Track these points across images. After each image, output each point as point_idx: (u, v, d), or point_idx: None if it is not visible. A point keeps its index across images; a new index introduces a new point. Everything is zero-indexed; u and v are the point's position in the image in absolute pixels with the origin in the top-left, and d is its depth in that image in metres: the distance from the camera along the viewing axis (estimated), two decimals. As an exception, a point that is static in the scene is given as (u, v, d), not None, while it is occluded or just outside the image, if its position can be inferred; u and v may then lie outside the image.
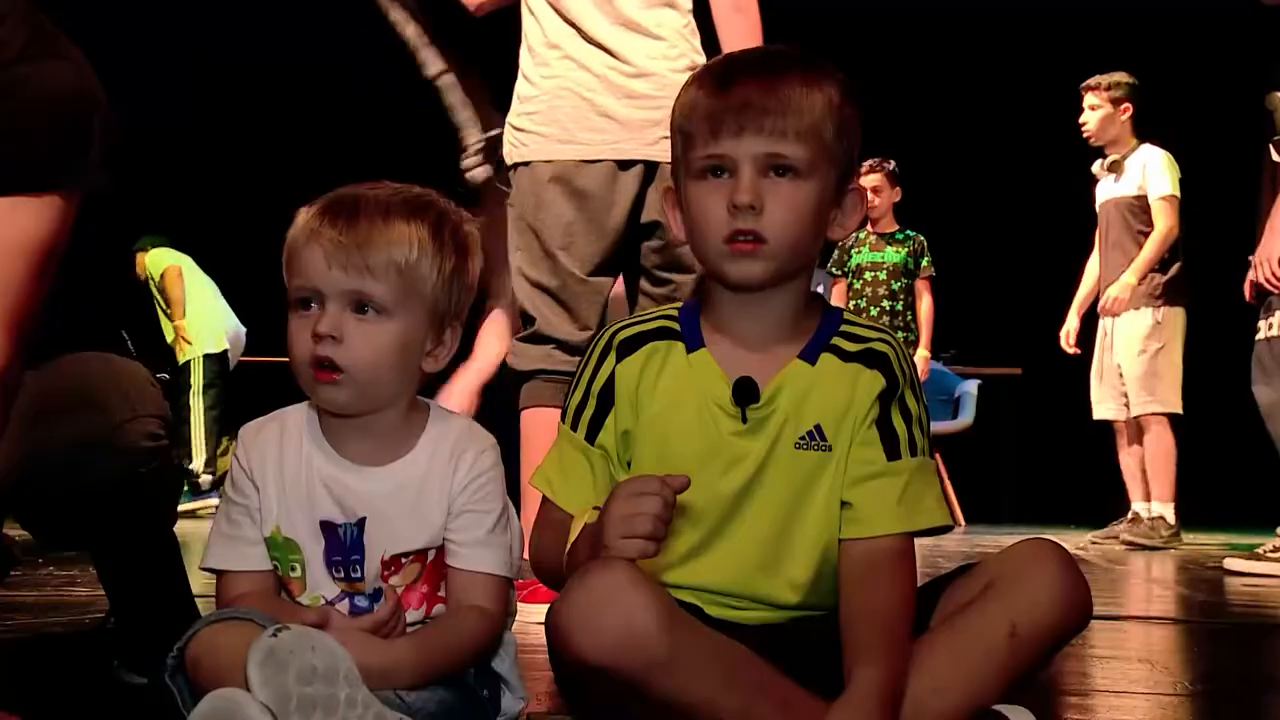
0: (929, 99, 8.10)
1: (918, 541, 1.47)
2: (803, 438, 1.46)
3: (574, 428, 1.51)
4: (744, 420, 1.46)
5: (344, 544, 1.41)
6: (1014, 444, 6.59)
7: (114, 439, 1.67)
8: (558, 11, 2.75)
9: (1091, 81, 5.84)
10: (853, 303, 6.70)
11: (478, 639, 1.42)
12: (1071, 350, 6.06)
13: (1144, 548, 5.59)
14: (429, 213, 1.43)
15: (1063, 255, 6.69)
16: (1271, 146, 4.19)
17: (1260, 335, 4.45)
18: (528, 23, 2.81)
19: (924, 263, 6.66)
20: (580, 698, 1.40)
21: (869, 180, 6.68)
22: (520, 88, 2.82)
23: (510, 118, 2.84)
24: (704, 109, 1.44)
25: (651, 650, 1.27)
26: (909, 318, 6.72)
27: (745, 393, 1.45)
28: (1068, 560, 1.43)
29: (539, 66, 2.78)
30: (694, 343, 1.49)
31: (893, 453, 1.45)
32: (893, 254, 6.72)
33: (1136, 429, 5.82)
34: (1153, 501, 5.73)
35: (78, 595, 2.98)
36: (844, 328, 1.50)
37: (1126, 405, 5.79)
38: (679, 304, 1.56)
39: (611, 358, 1.51)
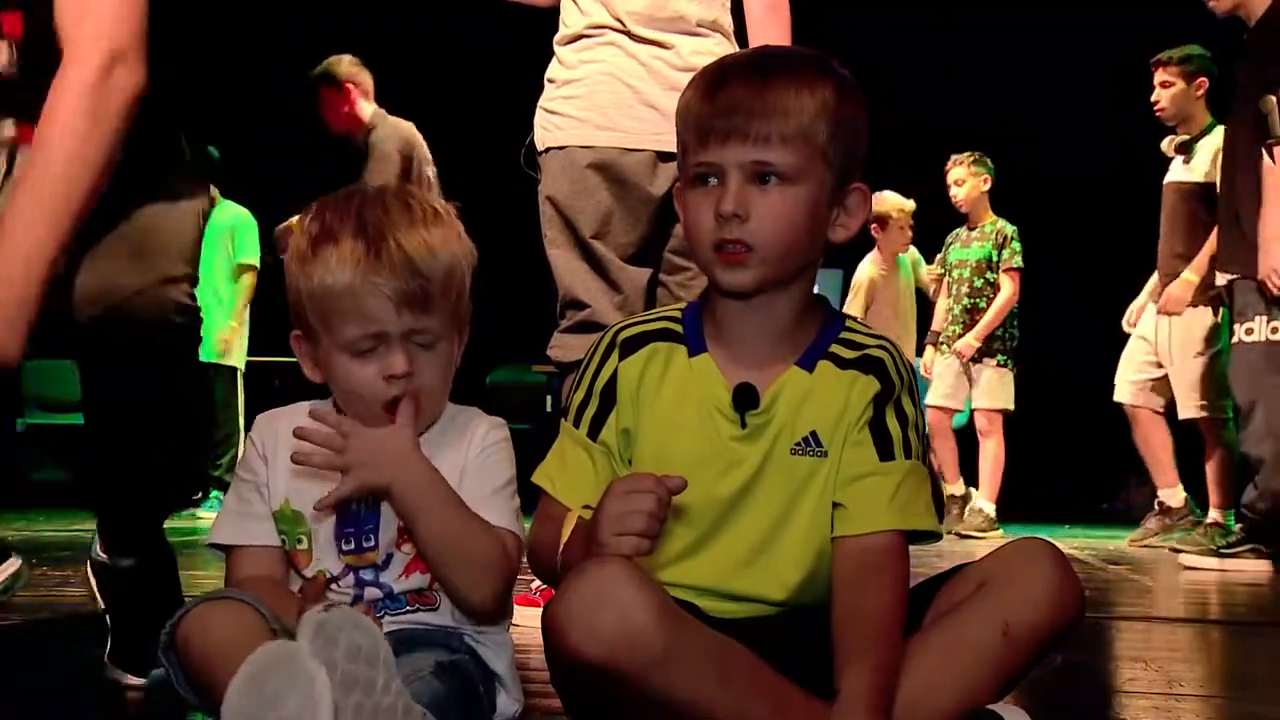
0: (924, 94, 8.11)
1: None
2: (798, 443, 1.47)
3: (576, 425, 1.52)
4: (743, 425, 1.47)
5: (356, 515, 1.44)
6: (1008, 443, 6.57)
7: (162, 288, 1.83)
8: (603, 3, 2.67)
9: (1163, 56, 5.44)
10: (946, 301, 6.46)
11: (491, 553, 1.42)
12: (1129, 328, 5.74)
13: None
14: (448, 219, 1.45)
15: (1056, 254, 6.69)
16: (1265, 150, 4.19)
17: (1237, 339, 4.44)
18: (568, 10, 2.72)
19: (1005, 254, 6.29)
20: (576, 695, 1.41)
21: (952, 174, 6.41)
22: (554, 71, 2.73)
23: (542, 102, 2.74)
24: (694, 114, 1.45)
25: (648, 647, 1.27)
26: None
27: (745, 399, 1.46)
28: (1060, 559, 1.43)
29: (579, 51, 2.69)
30: (696, 346, 1.50)
31: (886, 454, 1.46)
32: (977, 249, 6.37)
33: (1152, 418, 5.64)
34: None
35: (72, 595, 2.98)
36: (844, 335, 1.51)
37: (1149, 393, 5.61)
38: (683, 304, 1.57)
39: (614, 357, 1.52)
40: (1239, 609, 3.63)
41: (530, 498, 1.52)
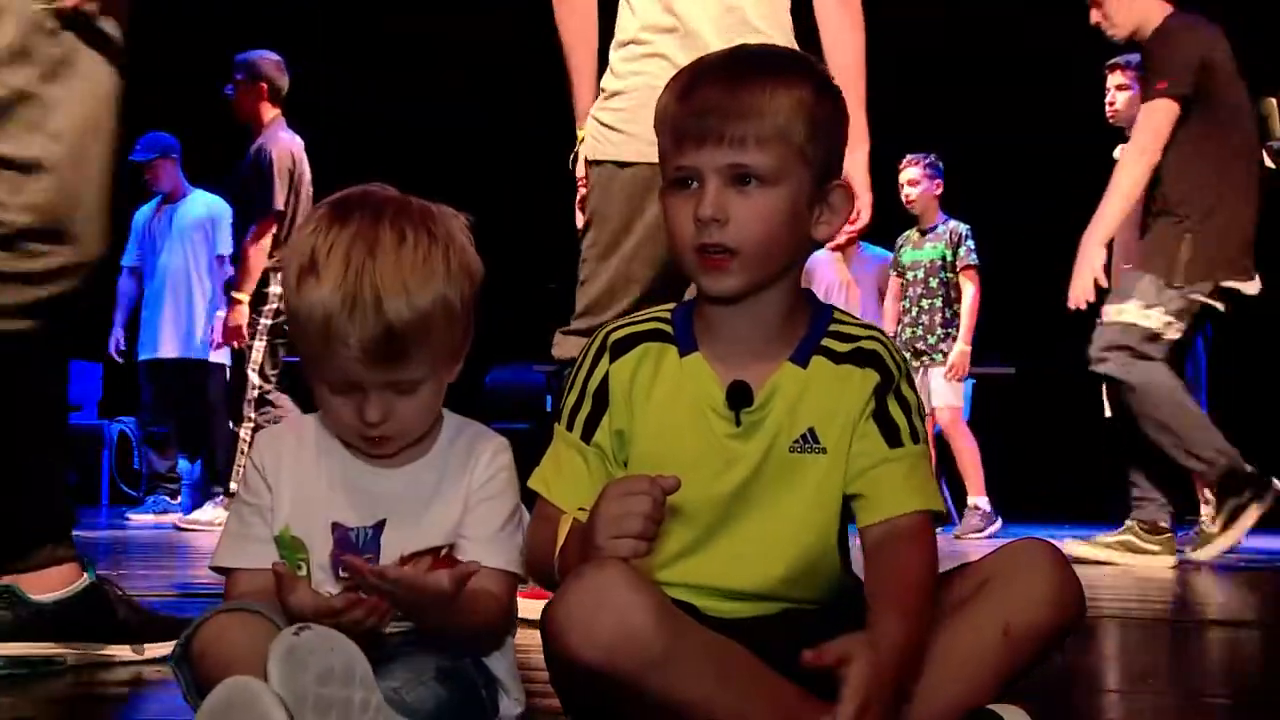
0: (919, 93, 8.11)
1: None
2: (797, 441, 1.47)
3: (569, 428, 1.52)
4: (738, 423, 1.47)
5: (355, 546, 1.43)
6: (1008, 444, 6.57)
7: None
8: (660, 2, 2.60)
9: (1120, 60, 5.48)
10: (902, 304, 6.50)
11: (488, 618, 1.44)
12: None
13: None
14: (448, 242, 1.41)
15: (1055, 254, 6.67)
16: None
17: (1110, 319, 4.58)
18: (623, 13, 2.67)
19: (960, 252, 6.32)
20: (575, 697, 1.41)
21: (906, 174, 6.41)
22: (607, 82, 2.70)
23: (594, 111, 2.71)
24: (670, 116, 1.45)
25: (647, 649, 1.27)
26: (948, 314, 6.41)
27: (739, 397, 1.46)
28: (1061, 560, 1.44)
29: (629, 62, 2.65)
30: (687, 346, 1.50)
31: (894, 441, 1.47)
32: (930, 250, 6.41)
33: None
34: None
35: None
36: (833, 327, 1.51)
37: None
38: (672, 305, 1.57)
39: (605, 358, 1.52)
40: (1240, 609, 3.63)
41: (529, 500, 1.52)
